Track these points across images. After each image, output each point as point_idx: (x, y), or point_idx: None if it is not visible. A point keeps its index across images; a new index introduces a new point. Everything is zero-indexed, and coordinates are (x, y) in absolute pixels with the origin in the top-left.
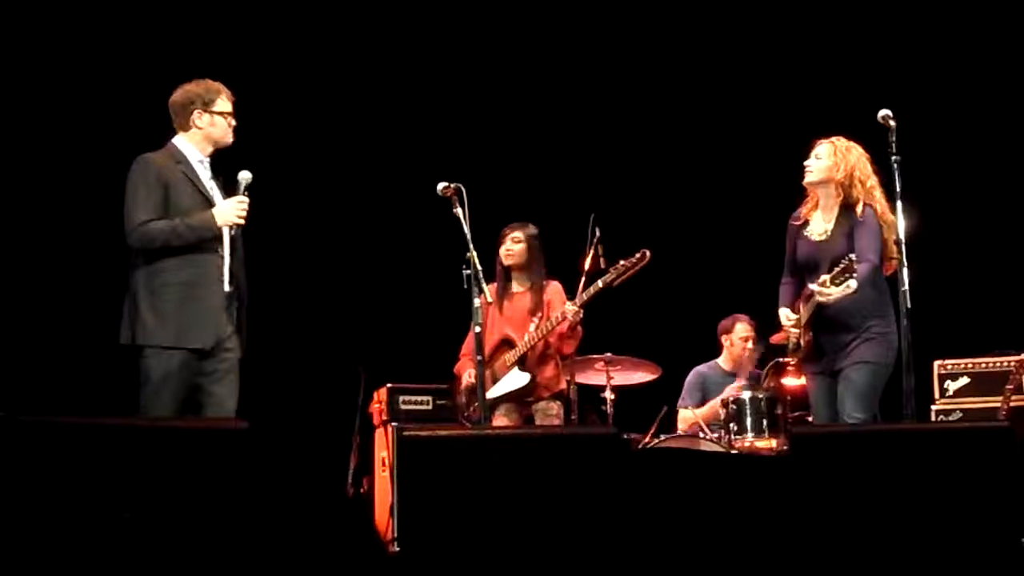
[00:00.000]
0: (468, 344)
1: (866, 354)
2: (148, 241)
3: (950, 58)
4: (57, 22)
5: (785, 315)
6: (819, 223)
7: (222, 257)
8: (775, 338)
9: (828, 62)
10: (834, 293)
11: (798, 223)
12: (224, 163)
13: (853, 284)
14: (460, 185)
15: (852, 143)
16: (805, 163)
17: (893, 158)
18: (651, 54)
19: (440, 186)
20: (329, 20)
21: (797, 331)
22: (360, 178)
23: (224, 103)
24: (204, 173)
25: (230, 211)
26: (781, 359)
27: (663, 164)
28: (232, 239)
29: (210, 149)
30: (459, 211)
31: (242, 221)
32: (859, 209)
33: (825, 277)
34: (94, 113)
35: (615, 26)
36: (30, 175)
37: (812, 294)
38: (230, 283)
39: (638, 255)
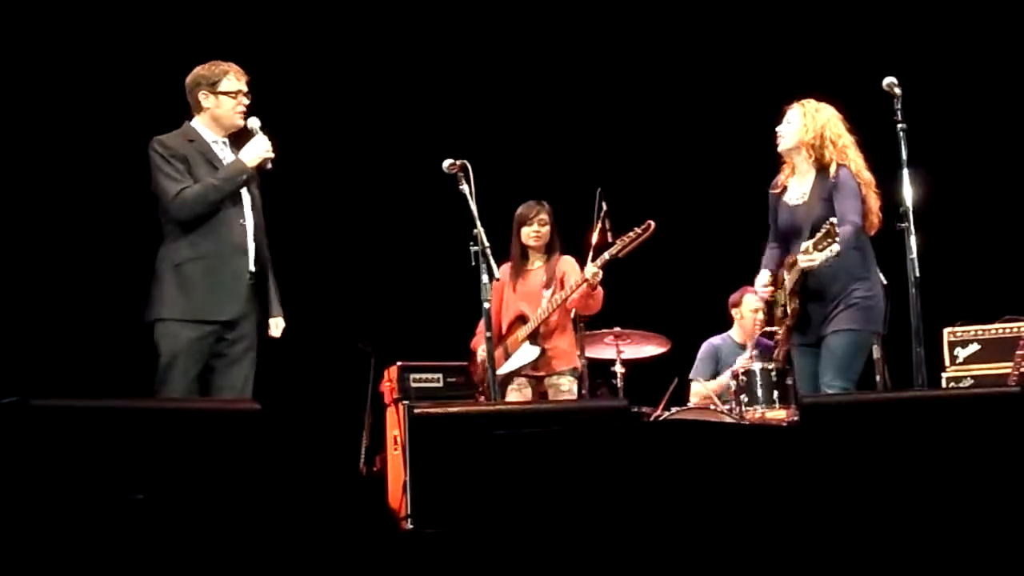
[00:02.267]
0: None
1: (847, 321)
2: (190, 205)
3: (956, 23)
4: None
5: (762, 282)
6: (795, 189)
7: (244, 229)
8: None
9: (834, 30)
10: (818, 259)
11: (776, 191)
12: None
13: (836, 247)
14: (466, 162)
15: (823, 104)
16: (777, 129)
17: (899, 126)
18: (656, 24)
19: (446, 163)
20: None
21: (767, 293)
22: (367, 157)
23: (231, 82)
24: (220, 151)
25: (258, 148)
26: (767, 327)
27: (670, 136)
28: (253, 212)
29: (222, 131)
30: (465, 188)
31: (272, 154)
32: (832, 170)
33: (808, 243)
34: (122, 98)
35: None
36: (60, 162)
37: (795, 261)
38: (254, 262)
39: (643, 226)
